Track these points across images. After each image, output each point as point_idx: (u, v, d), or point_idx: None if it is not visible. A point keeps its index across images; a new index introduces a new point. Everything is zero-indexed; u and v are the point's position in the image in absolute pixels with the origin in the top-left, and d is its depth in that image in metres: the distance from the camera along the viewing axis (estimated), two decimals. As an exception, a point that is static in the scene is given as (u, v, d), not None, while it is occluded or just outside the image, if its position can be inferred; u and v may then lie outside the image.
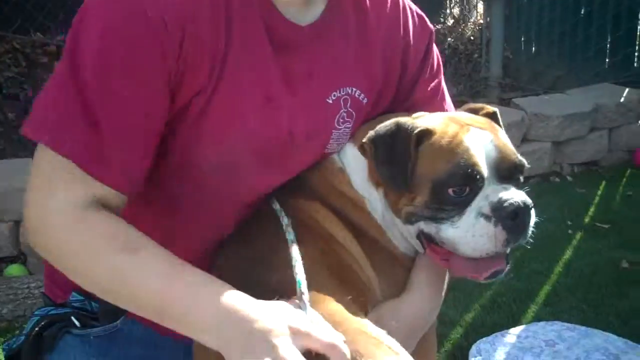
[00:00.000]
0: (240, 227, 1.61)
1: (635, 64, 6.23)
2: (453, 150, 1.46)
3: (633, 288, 3.91)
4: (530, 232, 1.48)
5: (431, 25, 1.77)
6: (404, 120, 1.52)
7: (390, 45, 1.66)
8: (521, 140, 5.45)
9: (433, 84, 1.75)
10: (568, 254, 4.37)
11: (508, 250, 1.50)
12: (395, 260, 1.62)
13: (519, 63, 6.94)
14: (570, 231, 4.64)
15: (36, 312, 1.67)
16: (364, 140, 1.53)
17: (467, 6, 7.60)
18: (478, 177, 1.44)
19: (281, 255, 1.44)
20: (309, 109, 1.55)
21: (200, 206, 1.55)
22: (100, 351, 1.64)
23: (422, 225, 1.51)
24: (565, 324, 3.46)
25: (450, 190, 1.45)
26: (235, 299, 1.26)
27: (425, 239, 1.53)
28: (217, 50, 1.39)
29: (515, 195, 1.44)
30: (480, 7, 7.37)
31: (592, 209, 4.99)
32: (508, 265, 1.51)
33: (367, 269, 1.56)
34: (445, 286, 1.69)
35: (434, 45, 1.77)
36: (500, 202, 1.43)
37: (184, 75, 1.37)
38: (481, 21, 7.12)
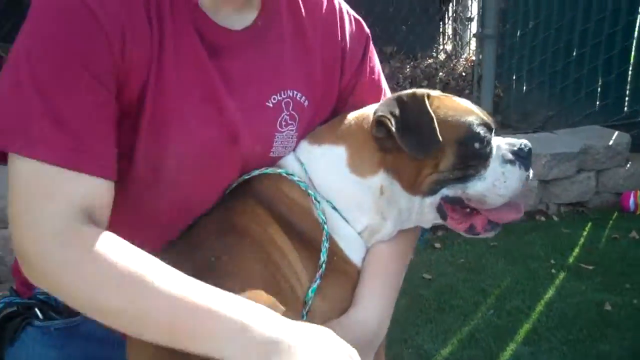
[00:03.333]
0: (187, 232, 1.54)
1: (626, 108, 6.19)
2: (461, 109, 1.57)
3: (615, 331, 3.80)
4: None
5: (367, 30, 1.78)
6: (399, 93, 1.57)
7: (329, 49, 1.68)
8: (508, 177, 5.36)
9: (374, 88, 1.77)
10: (550, 293, 4.26)
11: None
12: (343, 271, 1.57)
13: (509, 102, 6.90)
14: (553, 270, 4.54)
15: (2, 300, 1.65)
16: (379, 113, 1.51)
17: (459, 42, 7.58)
18: (491, 128, 1.57)
19: (235, 261, 1.41)
20: (249, 112, 1.52)
21: (140, 208, 1.50)
22: (59, 343, 1.62)
23: (446, 191, 1.55)
24: (545, 364, 3.36)
25: (476, 145, 1.52)
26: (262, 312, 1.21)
27: (450, 204, 1.56)
28: (153, 50, 1.38)
29: (516, 139, 1.60)
30: (473, 43, 7.35)
31: (576, 250, 4.90)
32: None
33: (306, 282, 1.49)
34: (396, 295, 1.65)
35: (373, 51, 1.79)
36: (515, 146, 1.57)
37: (128, 74, 1.35)
38: (473, 58, 7.09)
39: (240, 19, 1.53)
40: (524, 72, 6.85)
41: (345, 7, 1.75)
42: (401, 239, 1.66)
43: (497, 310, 4.05)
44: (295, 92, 1.61)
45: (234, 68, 1.51)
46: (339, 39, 1.69)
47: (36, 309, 1.63)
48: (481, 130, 1.53)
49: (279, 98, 1.58)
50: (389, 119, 1.49)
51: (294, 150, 1.64)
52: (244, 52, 1.53)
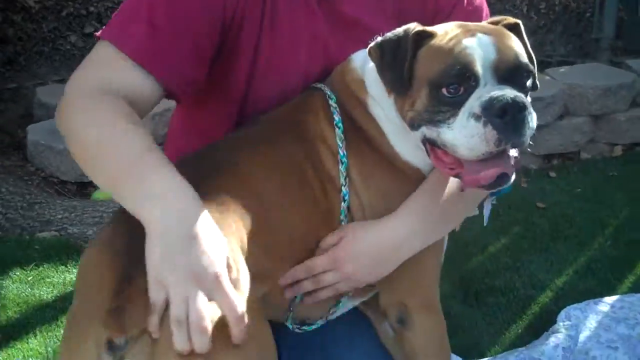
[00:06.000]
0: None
1: None
2: (449, 51, 1.47)
3: None
4: (527, 133, 1.44)
5: None
6: (410, 25, 1.55)
7: None
8: (630, 104, 5.11)
9: (470, 17, 1.77)
10: (673, 225, 4.08)
11: (513, 153, 1.47)
12: (395, 168, 1.64)
13: (633, 26, 6.51)
14: (676, 201, 4.34)
15: None
16: (370, 44, 1.57)
17: (582, -38, 7.17)
18: (471, 76, 1.44)
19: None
20: (351, 50, 1.71)
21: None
22: None
23: (425, 130, 1.51)
24: (666, 299, 3.24)
25: (444, 90, 1.46)
26: (195, 198, 1.34)
27: (430, 144, 1.53)
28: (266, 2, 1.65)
29: (507, 93, 1.41)
30: (597, -37, 6.94)
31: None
32: (513, 170, 1.47)
33: (347, 172, 1.61)
34: (441, 225, 1.69)
35: None
36: (490, 100, 1.41)
37: (240, 27, 1.64)
38: (596, -22, 6.69)
39: None
40: (652, -6, 6.44)
41: None
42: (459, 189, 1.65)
43: (614, 241, 3.93)
44: None
45: (340, 11, 1.73)
46: None
47: None
48: (453, 77, 1.44)
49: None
50: (375, 51, 1.55)
51: None
52: (348, 4, 1.73)
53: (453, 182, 1.65)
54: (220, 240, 1.31)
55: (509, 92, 1.42)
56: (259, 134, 1.64)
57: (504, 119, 1.40)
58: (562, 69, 5.38)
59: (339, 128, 1.62)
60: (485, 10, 1.90)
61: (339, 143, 1.61)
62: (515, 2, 6.36)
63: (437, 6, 1.81)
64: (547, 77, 5.12)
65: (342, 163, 1.60)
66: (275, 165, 1.59)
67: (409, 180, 1.65)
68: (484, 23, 1.62)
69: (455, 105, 1.45)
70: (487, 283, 3.51)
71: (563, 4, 6.49)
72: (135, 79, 1.51)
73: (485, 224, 1.91)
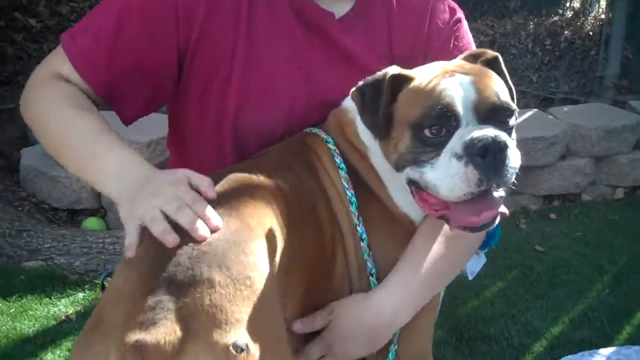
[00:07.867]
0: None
1: None
2: (429, 92, 1.48)
3: None
4: (510, 172, 1.42)
5: (460, 14, 1.89)
6: (388, 68, 1.56)
7: (416, 37, 1.82)
8: (634, 146, 5.04)
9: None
10: (674, 273, 4.00)
11: (499, 194, 1.47)
12: (394, 219, 1.64)
13: (639, 65, 6.47)
14: (678, 249, 4.25)
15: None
16: (353, 88, 1.58)
17: (588, -1, 7.16)
18: (451, 116, 1.45)
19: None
20: (342, 88, 1.67)
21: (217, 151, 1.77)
22: None
23: (409, 172, 1.51)
24: (664, 352, 3.16)
25: (426, 131, 1.46)
26: (141, 161, 1.50)
27: (414, 186, 1.53)
28: (240, 25, 1.67)
29: (487, 133, 1.41)
30: (603, 1, 6.91)
31: None
32: (501, 210, 1.46)
33: (350, 223, 1.60)
34: (439, 279, 1.66)
35: (464, 32, 1.88)
36: (472, 140, 1.41)
37: (198, 42, 1.65)
38: (602, 16, 6.66)
39: (338, 6, 1.76)
40: (658, 34, 6.40)
41: None
42: (453, 237, 1.64)
43: (613, 289, 3.84)
44: None
45: (334, 46, 1.75)
46: (427, 27, 1.83)
47: None
48: (434, 118, 1.45)
49: None
50: (356, 95, 1.57)
51: None
52: (343, 35, 1.75)
53: (440, 243, 1.64)
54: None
55: (490, 132, 1.42)
56: (271, 160, 1.62)
57: (485, 158, 1.40)
58: (565, 109, 5.31)
59: (342, 169, 1.62)
60: (472, 48, 1.87)
61: (345, 184, 1.61)
62: (520, 38, 6.33)
63: (427, 47, 1.83)
64: (550, 117, 5.06)
65: (352, 203, 1.60)
66: (291, 187, 1.55)
67: (405, 233, 1.64)
68: (462, 62, 1.61)
69: (437, 145, 1.46)
70: (481, 330, 3.43)
71: (568, 41, 6.45)
72: (76, 80, 1.64)
73: (470, 279, 1.86)
